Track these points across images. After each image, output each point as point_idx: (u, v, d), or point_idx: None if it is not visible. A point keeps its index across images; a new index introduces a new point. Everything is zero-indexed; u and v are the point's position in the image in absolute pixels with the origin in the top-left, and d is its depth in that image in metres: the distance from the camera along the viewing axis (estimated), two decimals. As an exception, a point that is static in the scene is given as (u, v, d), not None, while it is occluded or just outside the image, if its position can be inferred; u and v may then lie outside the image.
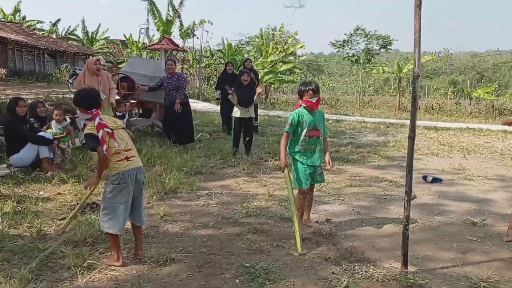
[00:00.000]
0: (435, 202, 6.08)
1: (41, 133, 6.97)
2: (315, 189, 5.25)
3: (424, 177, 7.32)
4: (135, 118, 10.92)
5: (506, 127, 14.30)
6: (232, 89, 8.51)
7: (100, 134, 3.62)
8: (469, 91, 26.23)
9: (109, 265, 3.79)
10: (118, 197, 3.72)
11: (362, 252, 4.25)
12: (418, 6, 3.61)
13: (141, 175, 3.90)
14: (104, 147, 3.63)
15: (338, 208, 5.68)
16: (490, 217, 5.40)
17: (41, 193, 5.84)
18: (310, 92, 4.64)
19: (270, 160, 8.29)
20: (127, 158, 3.76)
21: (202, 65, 30.97)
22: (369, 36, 29.12)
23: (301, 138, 4.67)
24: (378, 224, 5.09)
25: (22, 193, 5.72)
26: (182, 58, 32.03)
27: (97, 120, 3.68)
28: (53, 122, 7.41)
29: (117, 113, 8.43)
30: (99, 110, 3.76)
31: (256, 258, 4.03)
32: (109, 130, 3.70)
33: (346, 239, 4.62)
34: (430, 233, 4.86)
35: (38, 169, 6.79)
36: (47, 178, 6.43)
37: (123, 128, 3.95)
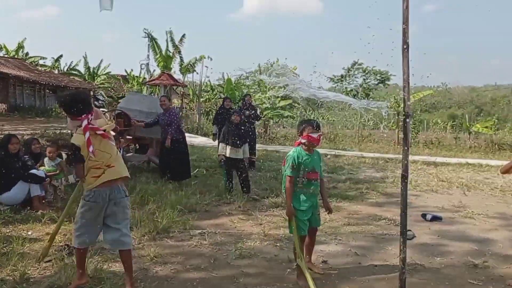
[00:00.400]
0: (435, 242, 5.91)
1: (33, 171, 6.86)
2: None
3: (424, 215, 7.17)
4: (131, 154, 10.84)
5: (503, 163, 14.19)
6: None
7: (86, 136, 3.48)
8: (468, 125, 26.25)
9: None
10: (87, 214, 3.64)
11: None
12: (406, 49, 3.60)
13: (116, 194, 3.68)
14: (91, 149, 3.49)
15: (334, 249, 5.51)
16: (491, 259, 5.22)
17: (29, 233, 5.68)
18: (310, 127, 4.44)
19: (268, 197, 8.15)
20: (103, 172, 3.60)
21: (202, 100, 31.16)
22: (367, 71, 29.42)
23: (298, 180, 4.42)
24: (375, 266, 4.92)
25: (9, 233, 5.57)
26: (181, 93, 32.30)
27: (84, 122, 3.53)
28: (46, 159, 7.32)
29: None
30: (89, 115, 3.60)
31: (248, 304, 3.86)
32: (101, 132, 3.60)
33: (343, 282, 4.44)
34: (429, 275, 4.68)
35: (29, 207, 6.65)
36: (37, 217, 6.27)
37: (110, 138, 3.77)
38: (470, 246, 5.75)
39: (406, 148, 3.62)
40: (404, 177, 3.61)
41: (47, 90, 32.82)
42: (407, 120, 3.55)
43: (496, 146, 23.70)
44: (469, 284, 4.47)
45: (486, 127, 25.18)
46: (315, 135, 4.40)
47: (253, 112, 11.91)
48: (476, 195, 9.32)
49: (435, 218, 7.04)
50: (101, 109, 12.93)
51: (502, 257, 5.33)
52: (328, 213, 4.80)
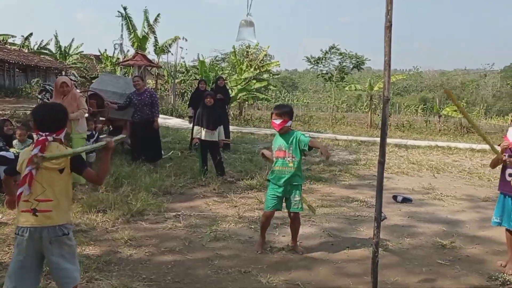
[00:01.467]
0: (405, 224, 6.07)
1: (1, 153, 6.69)
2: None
3: (394, 197, 7.33)
4: (105, 135, 10.68)
5: (474, 146, 14.61)
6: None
7: (27, 170, 2.86)
8: (438, 108, 26.78)
9: None
10: (16, 250, 2.95)
11: (331, 278, 4.18)
12: (388, 28, 3.56)
13: (50, 234, 2.87)
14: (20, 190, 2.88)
15: (308, 230, 5.59)
16: (459, 239, 5.40)
17: (-1, 216, 5.57)
18: (273, 113, 4.75)
19: (242, 179, 8.19)
20: (34, 211, 2.86)
21: (177, 81, 30.81)
22: (343, 55, 29.50)
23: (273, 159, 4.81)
24: (348, 247, 5.02)
25: (-22, 217, 5.45)
26: (156, 74, 31.86)
27: (35, 151, 2.86)
28: (15, 141, 7.15)
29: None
30: (49, 137, 2.93)
31: (223, 286, 3.91)
32: (31, 171, 2.87)
33: (316, 264, 4.53)
34: (399, 256, 4.82)
35: (-2, 190, 6.49)
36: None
37: (59, 170, 2.95)
38: (439, 227, 5.94)
39: (384, 134, 3.56)
40: (381, 163, 3.59)
41: (17, 70, 31.87)
42: (387, 105, 3.52)
43: (465, 129, 24.31)
44: (437, 264, 4.62)
45: (455, 110, 25.70)
46: (276, 122, 4.68)
47: (225, 95, 11.90)
48: (445, 177, 9.59)
49: (406, 200, 7.22)
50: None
51: (469, 237, 5.52)
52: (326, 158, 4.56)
